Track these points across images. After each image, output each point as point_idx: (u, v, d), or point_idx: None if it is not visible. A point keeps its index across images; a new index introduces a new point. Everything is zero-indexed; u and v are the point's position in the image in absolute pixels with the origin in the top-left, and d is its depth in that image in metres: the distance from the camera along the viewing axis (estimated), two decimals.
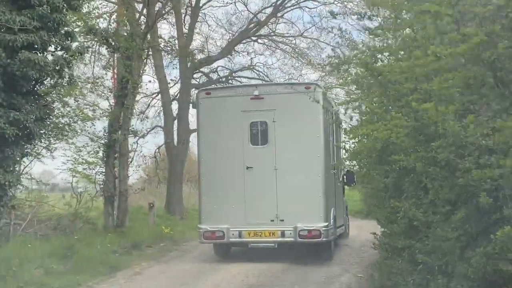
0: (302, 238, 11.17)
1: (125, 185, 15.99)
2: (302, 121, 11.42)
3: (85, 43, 14.23)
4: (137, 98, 17.80)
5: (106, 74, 16.51)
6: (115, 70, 15.89)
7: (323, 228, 11.18)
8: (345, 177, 14.35)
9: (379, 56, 6.93)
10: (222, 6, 25.05)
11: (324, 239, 11.26)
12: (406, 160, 5.73)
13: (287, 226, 11.21)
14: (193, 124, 24.80)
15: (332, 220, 11.80)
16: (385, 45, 6.86)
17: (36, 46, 11.72)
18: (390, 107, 6.78)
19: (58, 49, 12.67)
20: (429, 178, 5.71)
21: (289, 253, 11.83)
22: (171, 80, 22.66)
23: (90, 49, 14.60)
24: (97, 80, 14.81)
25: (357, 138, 7.90)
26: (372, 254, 12.23)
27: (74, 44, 13.01)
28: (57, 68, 12.37)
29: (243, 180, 11.52)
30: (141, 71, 16.47)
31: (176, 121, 22.77)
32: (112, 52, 15.77)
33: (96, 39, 14.62)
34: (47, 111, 12.69)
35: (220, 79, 25.22)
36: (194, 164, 35.74)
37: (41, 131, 12.73)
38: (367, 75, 6.46)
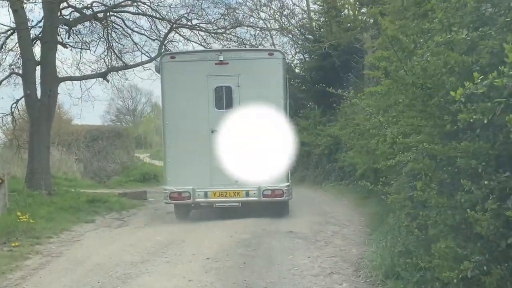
0: (266, 197, 11.96)
1: None
2: (265, 86, 12.02)
3: None
4: None
5: None
6: None
7: (285, 188, 12.02)
8: None
9: None
10: None
11: (286, 198, 12.14)
12: None
13: (251, 187, 11.92)
14: (62, 71, 19.93)
15: (290, 181, 12.43)
16: None
17: None
18: None
19: None
20: None
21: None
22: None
23: None
24: None
25: None
26: (340, 248, 8.56)
27: None
28: None
29: (208, 143, 11.99)
30: None
31: (39, 67, 17.46)
32: None
33: None
34: None
35: (96, 15, 20.05)
36: (66, 124, 29.97)
37: None
38: None
